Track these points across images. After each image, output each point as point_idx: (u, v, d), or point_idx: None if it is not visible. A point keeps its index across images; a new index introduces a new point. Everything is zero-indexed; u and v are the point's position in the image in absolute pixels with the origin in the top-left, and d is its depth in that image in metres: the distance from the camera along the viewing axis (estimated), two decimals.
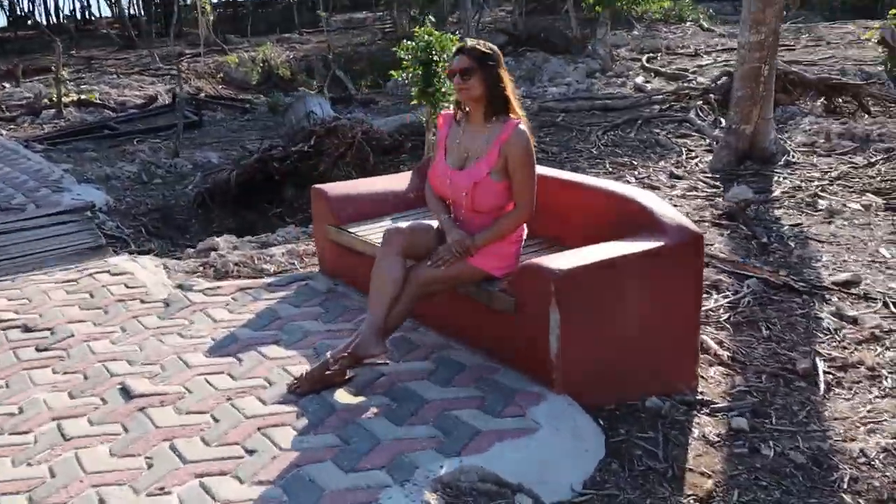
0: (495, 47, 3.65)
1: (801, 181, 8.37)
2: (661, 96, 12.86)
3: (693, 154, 9.79)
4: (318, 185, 4.93)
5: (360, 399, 3.44)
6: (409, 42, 6.82)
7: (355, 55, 22.74)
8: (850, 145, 9.60)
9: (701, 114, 11.63)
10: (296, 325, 4.27)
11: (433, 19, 21.82)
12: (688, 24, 23.10)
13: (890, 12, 8.43)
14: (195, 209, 8.90)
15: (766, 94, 8.96)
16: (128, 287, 5.02)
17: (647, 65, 16.06)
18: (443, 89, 6.79)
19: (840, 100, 11.59)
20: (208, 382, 3.69)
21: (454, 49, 3.67)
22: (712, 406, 3.65)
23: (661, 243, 3.48)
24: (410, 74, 6.83)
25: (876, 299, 4.91)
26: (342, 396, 3.46)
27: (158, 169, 10.34)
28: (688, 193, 8.16)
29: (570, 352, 3.32)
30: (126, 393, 3.64)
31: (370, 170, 9.33)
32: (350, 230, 4.62)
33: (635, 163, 9.51)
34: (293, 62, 22.23)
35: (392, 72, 7.18)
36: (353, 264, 4.64)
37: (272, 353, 3.96)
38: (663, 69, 15.61)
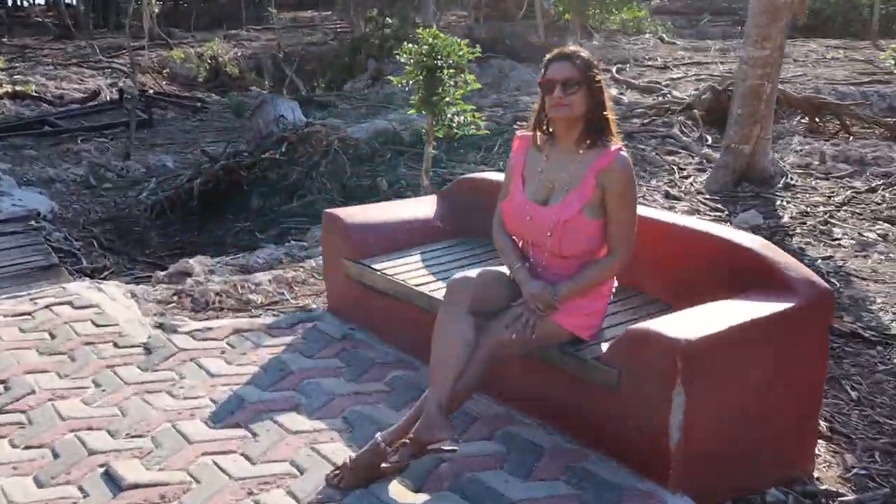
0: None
1: (807, 206, 7.92)
2: (640, 110, 12.35)
3: (685, 173, 9.27)
4: (331, 211, 4.17)
5: (423, 498, 2.70)
6: (410, 45, 6.09)
7: (307, 55, 21.82)
8: (847, 168, 9.24)
9: (685, 130, 11.17)
10: (314, 384, 3.51)
11: (390, 20, 21.07)
12: (647, 35, 22.78)
13: None
14: (153, 220, 8.02)
15: (767, 112, 8.51)
16: (96, 325, 4.18)
17: (617, 76, 15.58)
18: (447, 98, 6.08)
19: (816, 120, 11.30)
20: (218, 466, 2.91)
21: (551, 55, 2.97)
22: (840, 499, 3.01)
23: (791, 303, 2.83)
24: (411, 81, 6.09)
25: None
26: (399, 493, 2.72)
27: (108, 172, 9.40)
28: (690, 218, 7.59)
29: (693, 441, 2.65)
30: (112, 481, 2.84)
31: (346, 181, 8.61)
32: (373, 266, 3.88)
33: None
34: (241, 60, 21.22)
35: (391, 77, 6.44)
36: (375, 307, 3.91)
37: (293, 423, 3.19)
38: (635, 81, 15.15)
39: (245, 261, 5.93)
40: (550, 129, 3.00)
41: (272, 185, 8.40)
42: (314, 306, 4.79)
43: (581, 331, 2.95)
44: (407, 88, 6.20)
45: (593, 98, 2.88)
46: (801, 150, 10.11)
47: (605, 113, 2.90)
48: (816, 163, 9.56)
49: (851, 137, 10.75)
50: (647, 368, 2.65)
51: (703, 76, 15.53)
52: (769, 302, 2.83)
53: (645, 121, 11.66)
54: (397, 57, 6.20)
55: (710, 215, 7.65)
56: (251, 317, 4.52)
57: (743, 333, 2.69)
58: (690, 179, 8.96)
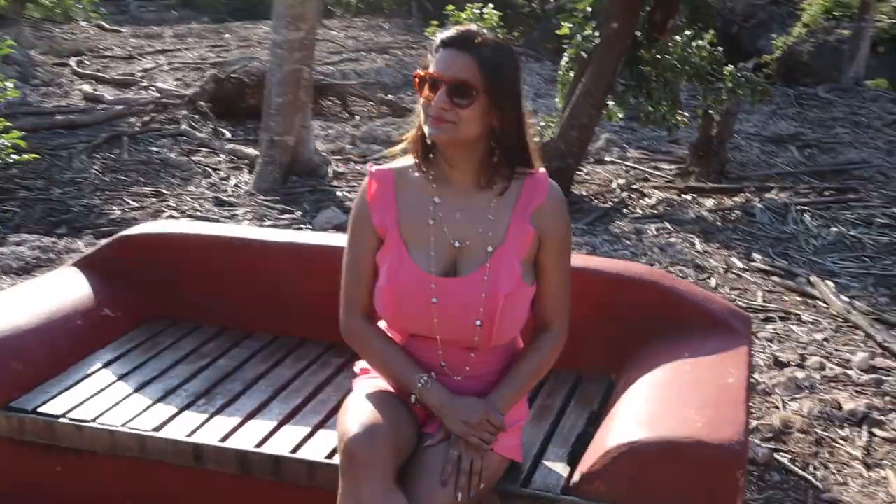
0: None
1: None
2: (137, 107, 10.83)
3: (221, 174, 8.30)
4: None
5: None
6: None
7: None
8: (379, 148, 9.18)
9: (195, 125, 10.09)
10: None
11: None
12: (82, 23, 20.55)
13: None
14: None
15: (306, 99, 7.95)
16: None
17: (79, 70, 13.57)
18: None
19: (320, 102, 11.15)
20: None
21: (445, 34, 1.83)
22: None
23: (743, 345, 2.21)
24: None
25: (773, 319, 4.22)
26: None
27: None
28: (264, 224, 6.77)
29: None
30: None
31: None
32: (49, 412, 2.31)
33: (164, 191, 7.68)
34: None
35: None
36: (58, 474, 2.35)
37: None
38: (104, 75, 13.34)
39: None
40: (431, 155, 1.90)
41: None
42: None
43: (513, 452, 1.95)
44: None
45: (504, 116, 1.85)
46: (326, 135, 9.82)
47: (523, 129, 1.88)
48: (349, 146, 9.37)
49: (357, 117, 10.76)
50: (681, 496, 1.79)
51: (176, 64, 14.35)
52: (724, 349, 2.17)
53: (146, 118, 10.23)
54: None
55: (283, 219, 6.85)
56: None
57: (747, 399, 1.99)
58: (233, 181, 8.02)
